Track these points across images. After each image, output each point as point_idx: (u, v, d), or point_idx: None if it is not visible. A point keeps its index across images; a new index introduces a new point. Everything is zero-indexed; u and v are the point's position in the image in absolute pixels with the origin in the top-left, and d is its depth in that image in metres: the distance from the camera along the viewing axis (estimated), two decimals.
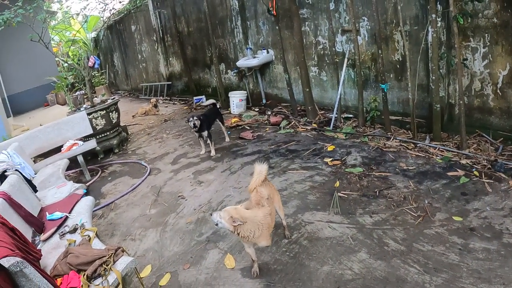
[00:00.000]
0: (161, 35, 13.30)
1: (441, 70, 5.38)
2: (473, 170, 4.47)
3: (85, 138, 7.04)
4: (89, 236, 3.37)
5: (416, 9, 5.59)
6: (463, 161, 4.72)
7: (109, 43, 18.27)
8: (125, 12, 15.03)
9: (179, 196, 5.13)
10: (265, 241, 3.09)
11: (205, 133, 6.43)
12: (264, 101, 9.24)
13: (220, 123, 7.08)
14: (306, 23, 7.50)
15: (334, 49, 6.95)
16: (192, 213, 4.59)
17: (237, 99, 9.14)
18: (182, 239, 4.06)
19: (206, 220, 4.33)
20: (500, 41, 4.81)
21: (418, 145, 5.40)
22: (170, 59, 13.42)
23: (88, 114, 7.19)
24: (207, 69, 11.54)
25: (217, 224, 2.95)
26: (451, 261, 3.06)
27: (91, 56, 11.27)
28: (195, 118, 6.22)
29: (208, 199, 4.87)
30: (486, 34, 4.92)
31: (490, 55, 4.95)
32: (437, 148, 5.16)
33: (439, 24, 5.20)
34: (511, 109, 4.93)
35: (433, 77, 5.28)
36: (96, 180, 6.34)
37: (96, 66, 9.97)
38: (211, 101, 7.21)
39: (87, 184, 6.06)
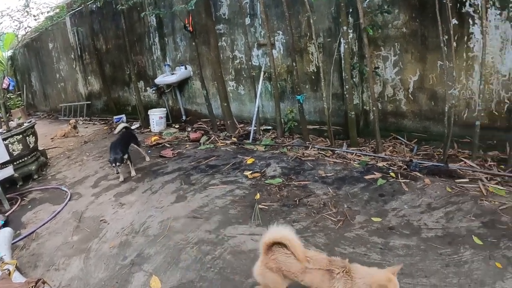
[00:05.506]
0: (79, 53, 12.56)
1: (354, 79, 5.52)
2: (390, 171, 4.56)
3: (2, 165, 6.36)
4: (9, 270, 3.17)
5: (328, 22, 5.73)
6: (380, 164, 4.80)
7: (26, 61, 16.96)
8: (42, 29, 14.05)
9: (101, 220, 4.75)
10: None
11: (125, 157, 5.92)
12: (184, 117, 8.98)
13: (136, 146, 6.60)
14: (223, 38, 7.44)
15: (250, 63, 6.89)
16: (115, 236, 4.25)
17: (157, 116, 8.79)
18: (106, 265, 3.70)
19: (129, 243, 4.01)
20: (409, 49, 5.04)
21: (336, 152, 5.42)
22: (89, 77, 12.67)
23: (4, 139, 6.51)
24: (126, 87, 11.04)
25: None
26: (373, 260, 3.00)
27: (5, 77, 10.41)
28: (117, 159, 5.67)
29: (130, 221, 4.54)
30: (396, 43, 5.14)
31: (400, 63, 5.16)
32: (354, 154, 5.21)
33: (350, 36, 5.36)
34: (422, 112, 5.15)
35: (347, 86, 5.36)
36: (16, 209, 5.73)
37: (11, 88, 9.24)
38: (122, 125, 6.62)
39: (7, 214, 5.47)
